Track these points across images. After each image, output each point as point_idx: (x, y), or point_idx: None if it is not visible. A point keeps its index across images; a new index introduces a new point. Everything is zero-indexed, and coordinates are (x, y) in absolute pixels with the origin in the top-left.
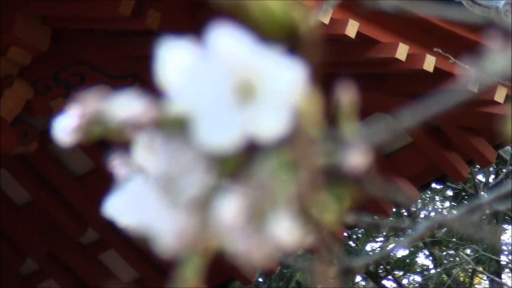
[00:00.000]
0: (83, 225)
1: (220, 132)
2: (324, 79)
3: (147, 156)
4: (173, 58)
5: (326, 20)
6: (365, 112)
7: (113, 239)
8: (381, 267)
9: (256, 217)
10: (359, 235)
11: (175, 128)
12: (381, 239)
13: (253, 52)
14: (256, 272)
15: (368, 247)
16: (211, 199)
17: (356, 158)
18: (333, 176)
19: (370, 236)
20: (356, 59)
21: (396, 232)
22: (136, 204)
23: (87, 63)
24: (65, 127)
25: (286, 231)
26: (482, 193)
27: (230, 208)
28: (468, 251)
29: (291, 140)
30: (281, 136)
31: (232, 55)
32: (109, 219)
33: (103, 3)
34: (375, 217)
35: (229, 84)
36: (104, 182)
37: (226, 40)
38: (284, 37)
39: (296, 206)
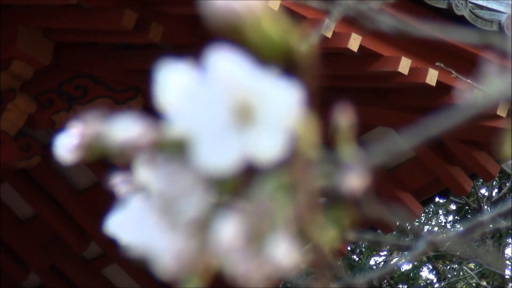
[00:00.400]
0: (86, 239)
1: (219, 154)
2: (325, 94)
3: (147, 177)
4: (173, 80)
5: (329, 34)
6: (367, 126)
7: (116, 253)
8: (385, 281)
9: (255, 238)
10: (363, 249)
11: (174, 150)
12: (385, 253)
13: (252, 75)
14: None
15: (372, 261)
16: (210, 221)
17: (355, 180)
18: (332, 198)
19: (373, 250)
20: (358, 73)
21: (399, 248)
22: (136, 224)
23: (90, 76)
24: (66, 145)
25: (284, 252)
26: (485, 207)
27: (229, 230)
28: (471, 265)
29: (289, 162)
30: (279, 158)
31: (231, 78)
32: (111, 236)
33: (106, 16)
34: (378, 232)
35: (227, 107)
36: (107, 197)
37: (225, 63)
38: (281, 59)
39: (295, 228)
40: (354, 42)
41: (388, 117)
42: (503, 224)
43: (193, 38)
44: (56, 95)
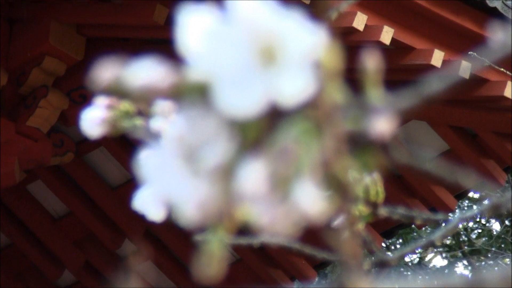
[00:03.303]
0: (120, 236)
1: (242, 97)
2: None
3: (168, 124)
4: (194, 22)
5: (361, 27)
6: (401, 120)
7: (149, 250)
8: (420, 277)
9: (281, 185)
10: (397, 246)
11: (196, 94)
12: (420, 251)
13: (275, 15)
14: (294, 282)
15: (407, 259)
16: (234, 167)
17: (383, 124)
18: (359, 143)
19: (407, 245)
20: (390, 65)
21: (431, 225)
22: (159, 171)
23: None
24: (93, 118)
25: (311, 199)
26: None
27: (253, 176)
28: (506, 260)
29: (315, 105)
30: (304, 100)
31: (253, 18)
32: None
33: (137, 11)
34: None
35: (250, 48)
36: None
37: (247, 3)
38: None
39: (322, 173)
40: (387, 35)
41: (422, 110)
42: None
43: None
44: (89, 91)
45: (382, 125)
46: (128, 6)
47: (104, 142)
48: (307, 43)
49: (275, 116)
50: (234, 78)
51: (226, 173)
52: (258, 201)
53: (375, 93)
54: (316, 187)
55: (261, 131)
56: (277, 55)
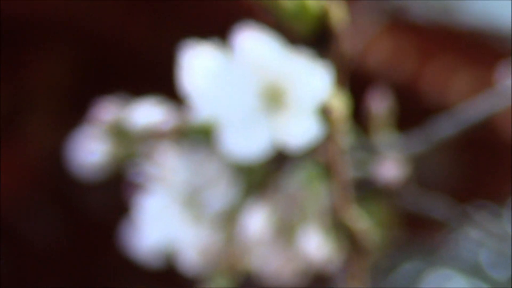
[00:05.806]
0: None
1: (247, 141)
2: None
3: (170, 166)
4: (198, 63)
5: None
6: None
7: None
8: None
9: (286, 231)
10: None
11: (200, 137)
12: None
13: (281, 56)
14: None
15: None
16: (237, 212)
17: (391, 169)
18: (366, 188)
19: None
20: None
21: (432, 249)
22: (159, 217)
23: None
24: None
25: (317, 245)
26: None
27: (257, 222)
28: None
29: (322, 149)
30: (311, 144)
31: (259, 59)
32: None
33: None
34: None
35: (256, 90)
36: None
37: (253, 44)
38: (313, 32)
39: (328, 219)
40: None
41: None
42: None
43: None
44: None
45: (391, 170)
46: None
47: None
48: (314, 86)
49: (280, 161)
50: (239, 121)
51: (230, 219)
52: (262, 248)
53: (384, 137)
54: (321, 234)
55: (266, 175)
56: (283, 98)
